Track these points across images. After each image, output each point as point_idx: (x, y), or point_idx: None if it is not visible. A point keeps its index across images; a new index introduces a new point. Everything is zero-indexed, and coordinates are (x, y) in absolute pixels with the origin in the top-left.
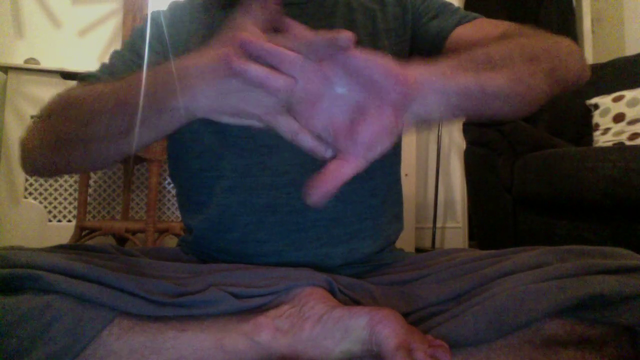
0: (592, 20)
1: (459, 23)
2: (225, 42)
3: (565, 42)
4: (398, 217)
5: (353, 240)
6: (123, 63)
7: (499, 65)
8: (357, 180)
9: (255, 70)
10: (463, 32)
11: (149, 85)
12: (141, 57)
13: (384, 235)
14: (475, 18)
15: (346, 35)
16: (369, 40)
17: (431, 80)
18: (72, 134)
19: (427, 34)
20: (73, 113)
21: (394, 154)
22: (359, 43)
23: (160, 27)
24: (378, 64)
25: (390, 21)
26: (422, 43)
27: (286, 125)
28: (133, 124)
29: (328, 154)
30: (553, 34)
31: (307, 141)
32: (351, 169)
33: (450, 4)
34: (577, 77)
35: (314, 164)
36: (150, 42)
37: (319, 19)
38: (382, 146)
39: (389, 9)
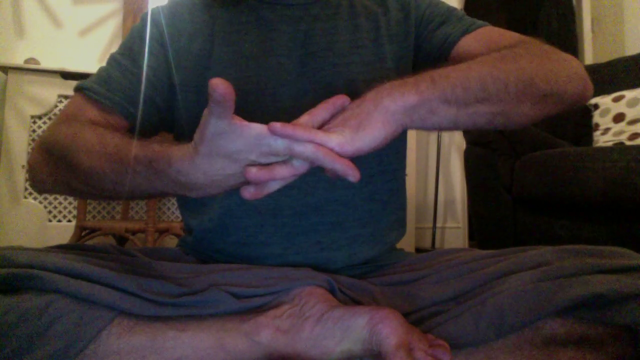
0: (592, 20)
1: (466, 32)
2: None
3: (568, 64)
4: (400, 222)
5: (353, 244)
6: (119, 72)
7: (490, 97)
8: (357, 184)
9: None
10: (469, 42)
11: (153, 162)
12: (136, 63)
13: (384, 240)
14: (481, 26)
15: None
16: (372, 45)
17: (409, 123)
18: (83, 186)
19: (432, 42)
20: (82, 167)
21: (396, 159)
22: (362, 48)
23: (160, 26)
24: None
25: (393, 27)
26: (427, 51)
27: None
28: (138, 185)
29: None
30: (558, 43)
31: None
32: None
33: (456, 10)
34: (575, 100)
35: (316, 168)
36: (148, 44)
37: (322, 21)
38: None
39: (392, 14)
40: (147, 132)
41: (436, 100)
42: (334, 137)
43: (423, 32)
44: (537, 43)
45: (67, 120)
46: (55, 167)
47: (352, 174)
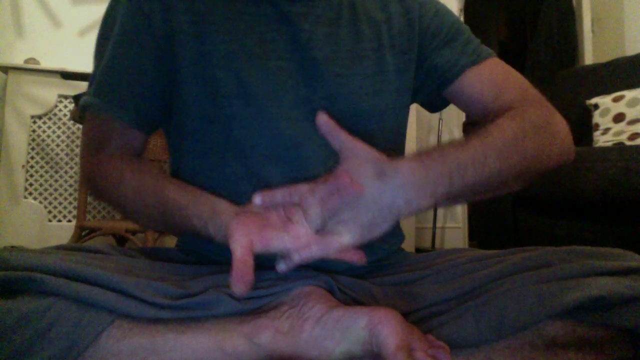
0: (592, 20)
1: (473, 63)
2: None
3: (559, 138)
4: (390, 232)
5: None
6: (119, 75)
7: (490, 190)
8: None
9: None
10: (474, 80)
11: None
12: (133, 58)
13: (381, 247)
14: (487, 57)
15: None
16: (374, 56)
17: (418, 206)
18: (131, 218)
19: (436, 62)
20: (129, 213)
21: None
22: (364, 59)
23: (143, 5)
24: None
25: (395, 36)
26: (430, 68)
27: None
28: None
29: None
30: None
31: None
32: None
33: (462, 26)
34: (557, 165)
35: (313, 178)
36: (141, 37)
37: (324, 25)
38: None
39: (394, 21)
40: (152, 128)
41: (443, 200)
42: (346, 239)
43: (428, 45)
44: (536, 108)
45: (98, 151)
46: (103, 200)
47: (359, 261)
